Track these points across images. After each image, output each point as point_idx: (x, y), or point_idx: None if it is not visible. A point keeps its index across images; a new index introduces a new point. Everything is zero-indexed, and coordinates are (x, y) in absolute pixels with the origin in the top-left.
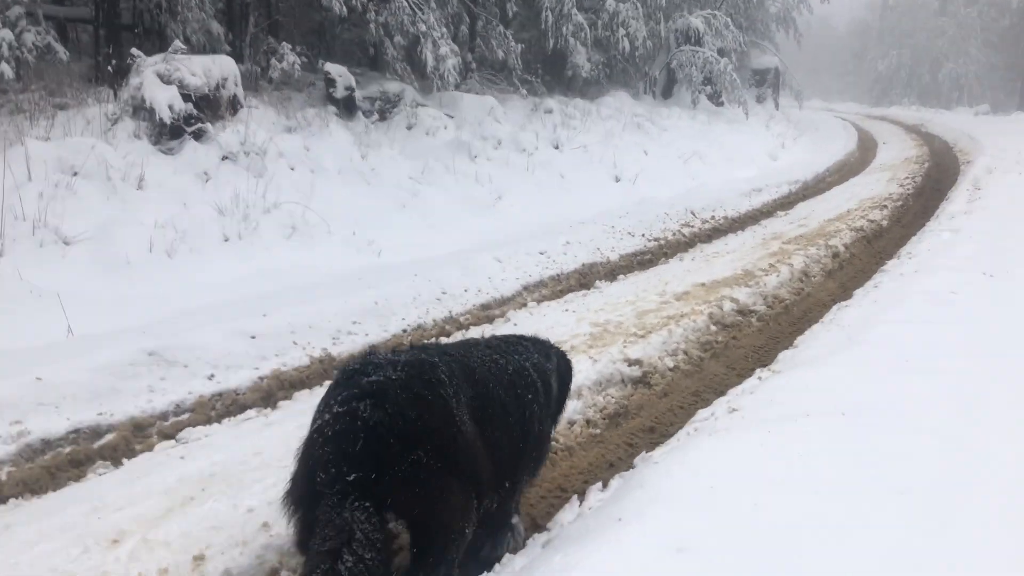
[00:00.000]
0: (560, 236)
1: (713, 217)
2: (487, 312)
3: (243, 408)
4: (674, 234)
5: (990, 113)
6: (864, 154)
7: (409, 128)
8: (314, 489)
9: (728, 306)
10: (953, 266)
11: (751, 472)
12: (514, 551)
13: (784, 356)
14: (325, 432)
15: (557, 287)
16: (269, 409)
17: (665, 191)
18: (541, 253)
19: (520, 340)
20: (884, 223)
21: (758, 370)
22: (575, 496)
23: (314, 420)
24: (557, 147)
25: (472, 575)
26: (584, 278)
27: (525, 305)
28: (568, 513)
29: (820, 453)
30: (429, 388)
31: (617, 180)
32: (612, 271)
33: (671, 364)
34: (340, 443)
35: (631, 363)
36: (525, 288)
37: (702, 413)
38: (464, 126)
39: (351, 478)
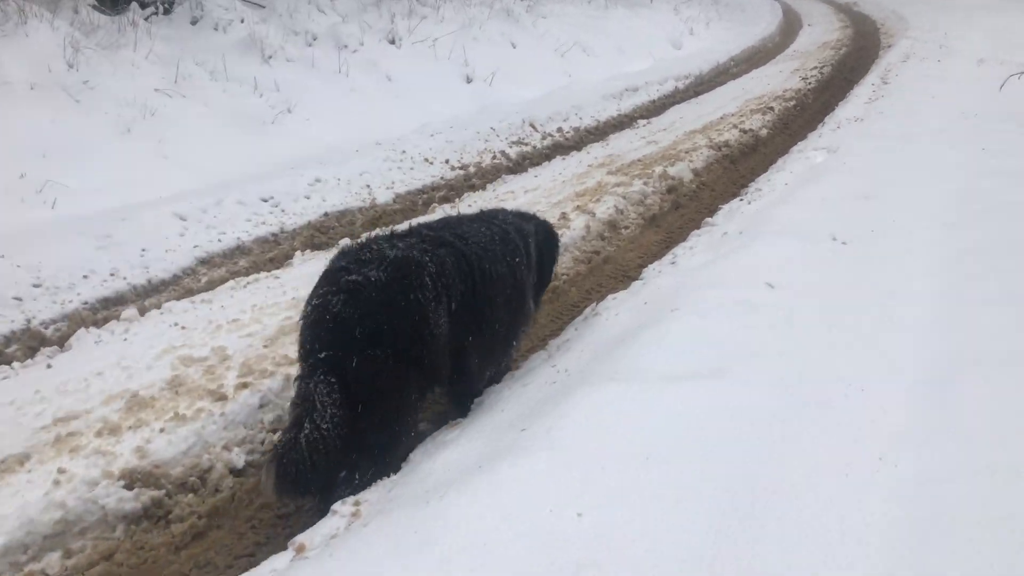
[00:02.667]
0: (311, 171)
1: (560, 130)
2: (106, 312)
3: None
4: (495, 157)
5: None
6: (784, 38)
7: (194, 23)
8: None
9: None
10: (798, 224)
11: None
12: None
13: (410, 468)
14: (307, 319)
15: (267, 255)
16: None
17: (526, 92)
18: (265, 200)
19: (506, 215)
20: (763, 132)
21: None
22: None
23: (304, 306)
24: (393, 42)
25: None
26: (323, 235)
27: (192, 292)
28: None
29: None
30: (403, 292)
31: (469, 81)
32: (373, 221)
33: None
34: (314, 329)
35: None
36: (206, 262)
37: None
38: (272, 18)
39: (321, 355)
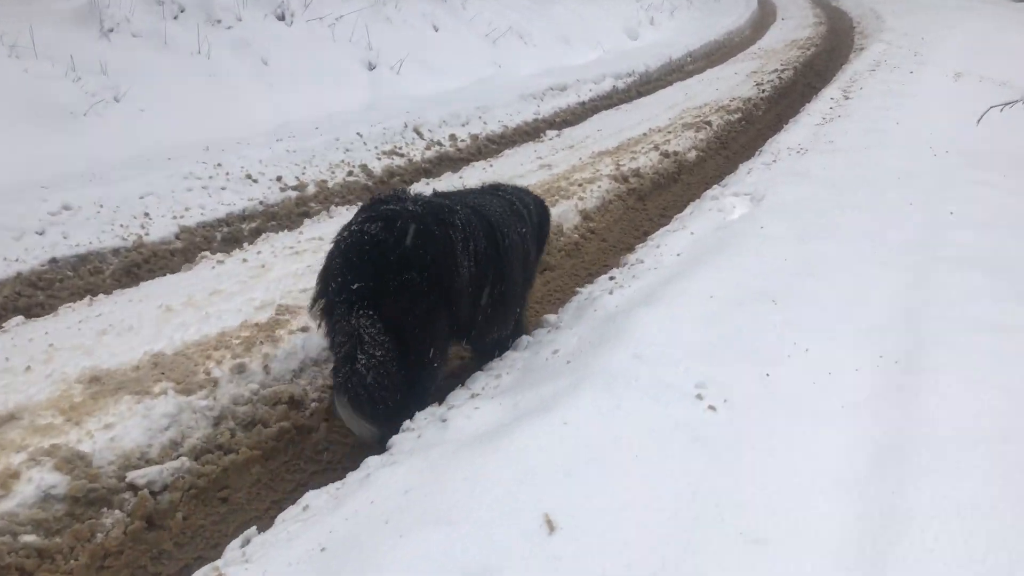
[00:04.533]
0: (61, 194)
1: (453, 137)
2: None
3: None
4: (351, 174)
5: None
6: (754, 33)
7: None
8: (330, 300)
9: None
10: (656, 354)
11: None
12: None
13: None
14: (339, 246)
15: None
16: None
17: (442, 84)
18: None
19: (511, 191)
20: (691, 156)
21: None
22: None
23: (335, 238)
24: (283, 18)
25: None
26: (39, 292)
27: None
28: None
29: None
30: (439, 225)
31: (371, 68)
32: (130, 268)
33: None
34: (348, 255)
35: None
36: None
37: None
38: None
39: (355, 287)
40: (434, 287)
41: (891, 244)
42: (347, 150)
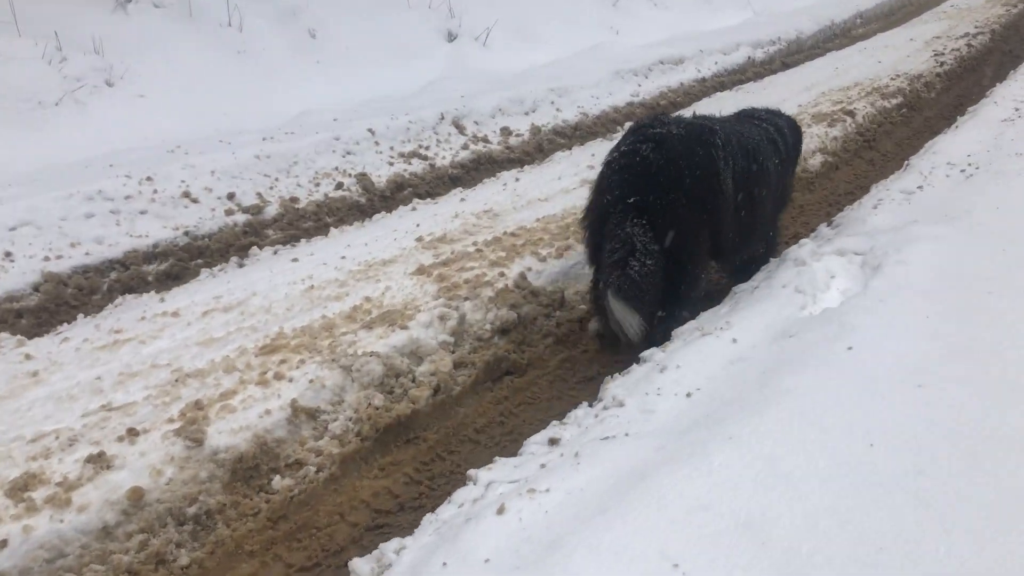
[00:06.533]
0: None
1: (506, 131)
2: None
3: None
4: (340, 186)
5: None
6: None
7: None
8: (603, 212)
9: None
10: None
11: None
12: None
13: None
14: (612, 166)
15: None
16: None
17: (536, 56)
18: None
19: (766, 113)
20: (816, 162)
21: None
22: None
23: (607, 158)
24: None
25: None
26: None
27: None
28: None
29: None
30: (701, 146)
31: (451, 38)
32: None
33: None
34: (623, 174)
35: None
36: None
37: None
38: None
39: (630, 200)
40: (696, 205)
41: None
42: (348, 153)
